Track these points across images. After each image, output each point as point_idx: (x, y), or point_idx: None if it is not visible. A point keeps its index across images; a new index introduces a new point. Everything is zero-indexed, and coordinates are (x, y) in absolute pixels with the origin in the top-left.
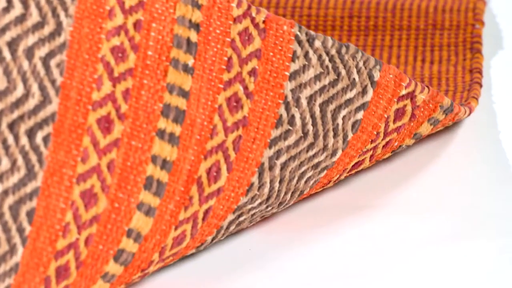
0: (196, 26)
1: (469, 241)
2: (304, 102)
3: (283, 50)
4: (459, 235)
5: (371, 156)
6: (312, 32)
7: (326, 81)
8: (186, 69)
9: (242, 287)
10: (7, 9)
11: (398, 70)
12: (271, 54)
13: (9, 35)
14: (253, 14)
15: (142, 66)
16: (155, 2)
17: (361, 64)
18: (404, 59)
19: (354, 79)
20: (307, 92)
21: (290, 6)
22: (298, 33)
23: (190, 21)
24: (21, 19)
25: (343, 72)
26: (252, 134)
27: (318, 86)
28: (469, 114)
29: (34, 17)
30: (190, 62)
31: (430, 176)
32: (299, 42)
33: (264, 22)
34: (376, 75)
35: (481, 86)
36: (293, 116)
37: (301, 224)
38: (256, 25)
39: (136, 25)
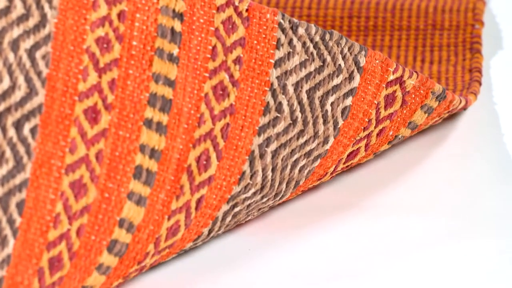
0: (179, 16)
1: (468, 241)
2: (290, 89)
3: (267, 38)
4: (458, 234)
5: (366, 145)
6: (295, 20)
7: (311, 67)
8: (171, 58)
9: (237, 285)
10: None
11: (384, 55)
12: (255, 42)
13: None
14: (236, 3)
15: (127, 56)
16: None
17: (346, 50)
18: (404, 59)
19: (340, 65)
20: (293, 79)
21: (290, 6)
22: (282, 20)
23: (173, 10)
24: (5, 11)
25: (328, 58)
26: (240, 121)
27: (303, 73)
28: (465, 106)
29: (18, 9)
30: (175, 51)
31: (429, 175)
32: (283, 30)
33: (247, 10)
34: (362, 61)
35: (480, 84)
36: (280, 103)
37: (296, 223)
38: (239, 14)
39: (120, 15)
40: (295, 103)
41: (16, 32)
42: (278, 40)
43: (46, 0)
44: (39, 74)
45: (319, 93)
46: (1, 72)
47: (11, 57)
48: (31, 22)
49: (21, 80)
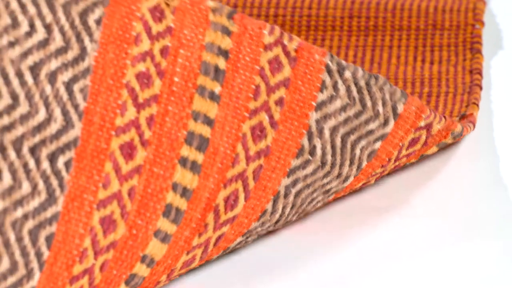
0: (225, 53)
1: (469, 243)
2: (327, 133)
3: (312, 80)
4: (459, 237)
5: (378, 177)
6: (343, 62)
7: (351, 112)
8: (213, 96)
9: None
10: (29, 34)
11: (421, 101)
12: (300, 83)
13: (31, 59)
14: (285, 42)
15: (167, 93)
16: (184, 28)
17: (387, 96)
18: (404, 59)
19: (378, 110)
20: (331, 123)
21: (290, 6)
22: (329, 62)
23: (219, 48)
24: (44, 43)
25: (369, 104)
26: (273, 163)
27: (343, 117)
28: (473, 128)
29: (57, 41)
30: (217, 89)
31: (430, 177)
32: (329, 72)
33: (296, 50)
34: (400, 108)
35: (481, 88)
36: (314, 146)
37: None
38: (287, 53)
39: (163, 51)
40: (328, 147)
41: (54, 64)
42: (323, 82)
43: (86, 33)
44: (76, 107)
45: (352, 138)
46: (37, 104)
47: (48, 89)
48: (70, 54)
49: (57, 112)
